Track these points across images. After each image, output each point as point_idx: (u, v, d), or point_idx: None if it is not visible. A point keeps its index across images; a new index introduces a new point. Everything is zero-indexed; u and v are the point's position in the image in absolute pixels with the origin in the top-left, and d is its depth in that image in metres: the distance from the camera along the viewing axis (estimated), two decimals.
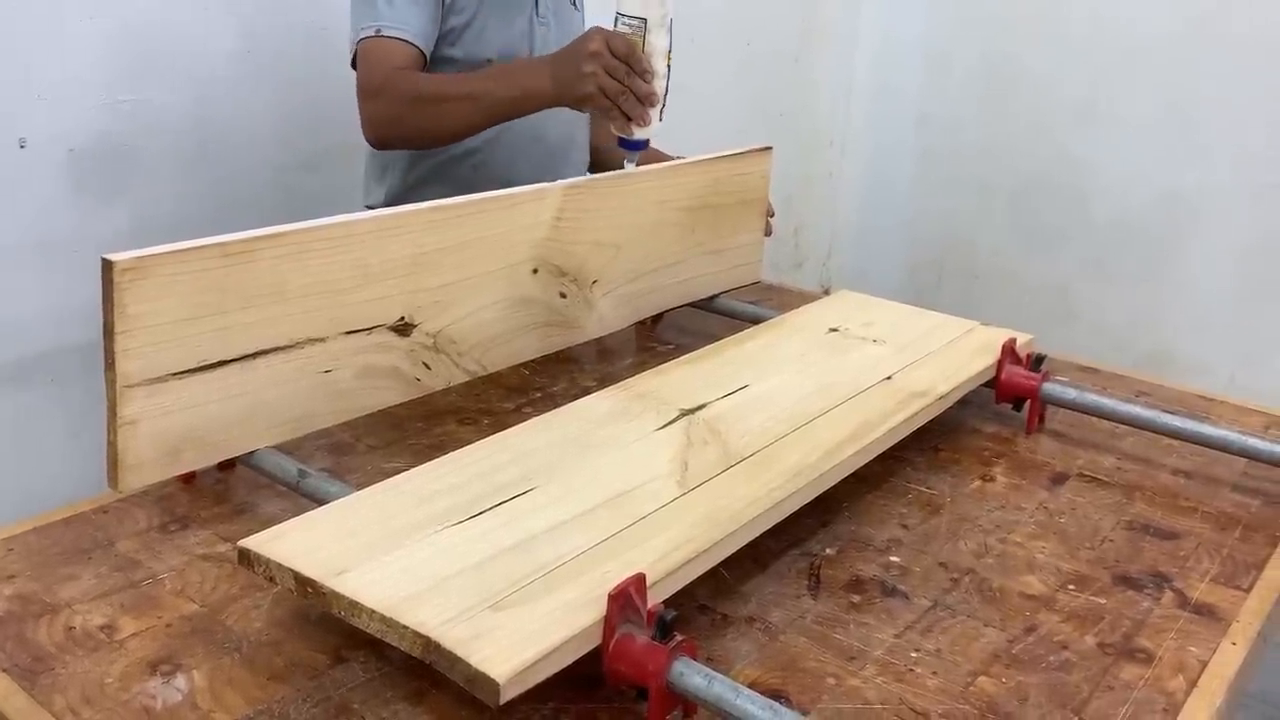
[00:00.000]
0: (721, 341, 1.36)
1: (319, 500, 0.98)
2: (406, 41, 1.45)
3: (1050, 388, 1.31)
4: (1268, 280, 2.59)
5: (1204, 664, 0.90)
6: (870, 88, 3.13)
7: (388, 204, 1.59)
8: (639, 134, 1.39)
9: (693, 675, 0.77)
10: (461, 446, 1.06)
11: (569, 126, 1.69)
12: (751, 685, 0.81)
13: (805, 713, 0.83)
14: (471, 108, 1.41)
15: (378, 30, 1.44)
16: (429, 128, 1.45)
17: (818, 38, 2.97)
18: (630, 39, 1.33)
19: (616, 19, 1.36)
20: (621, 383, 1.22)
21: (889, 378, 1.26)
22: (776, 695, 0.84)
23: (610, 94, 1.32)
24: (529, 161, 1.61)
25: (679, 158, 1.62)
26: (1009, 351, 1.34)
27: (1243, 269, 2.61)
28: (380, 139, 1.48)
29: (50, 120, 1.55)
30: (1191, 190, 2.64)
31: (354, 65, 1.49)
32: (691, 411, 1.14)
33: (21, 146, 1.53)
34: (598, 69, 1.31)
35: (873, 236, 3.22)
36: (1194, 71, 2.59)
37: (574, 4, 1.71)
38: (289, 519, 0.91)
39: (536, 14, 1.61)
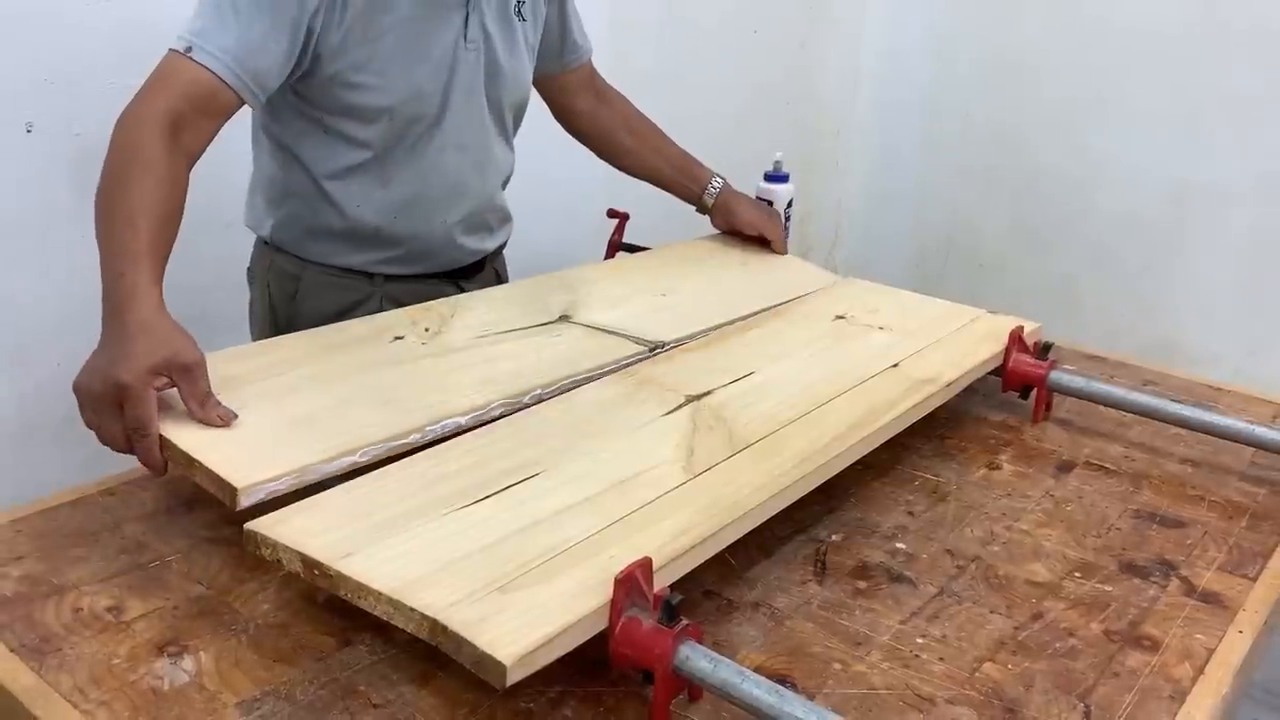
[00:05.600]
0: (727, 328, 1.36)
1: (326, 483, 0.98)
2: (214, 75, 1.15)
3: (1057, 376, 1.31)
4: (1274, 271, 2.57)
5: (1210, 652, 0.90)
6: (877, 76, 3.11)
7: (275, 235, 1.38)
8: None
9: (698, 659, 0.77)
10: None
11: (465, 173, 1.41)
12: (757, 670, 0.81)
13: (811, 698, 0.83)
14: (98, 234, 1.06)
15: (188, 48, 1.15)
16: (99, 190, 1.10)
17: (825, 25, 2.96)
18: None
19: None
20: (627, 368, 1.22)
21: (895, 365, 1.26)
22: (782, 680, 0.84)
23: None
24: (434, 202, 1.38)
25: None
26: (1016, 339, 1.34)
27: (1249, 260, 2.60)
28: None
29: (57, 104, 1.55)
30: (1198, 181, 2.63)
31: None
32: (698, 398, 1.14)
33: (28, 130, 1.53)
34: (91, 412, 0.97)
35: (878, 225, 3.21)
36: (1203, 62, 2.57)
37: (519, 14, 1.40)
38: (296, 501, 0.91)
39: (465, 38, 1.32)
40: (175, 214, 1.10)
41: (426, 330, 1.18)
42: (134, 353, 0.94)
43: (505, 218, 1.53)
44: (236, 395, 1.01)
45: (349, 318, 1.36)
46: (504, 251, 1.56)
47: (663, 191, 1.65)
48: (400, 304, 1.39)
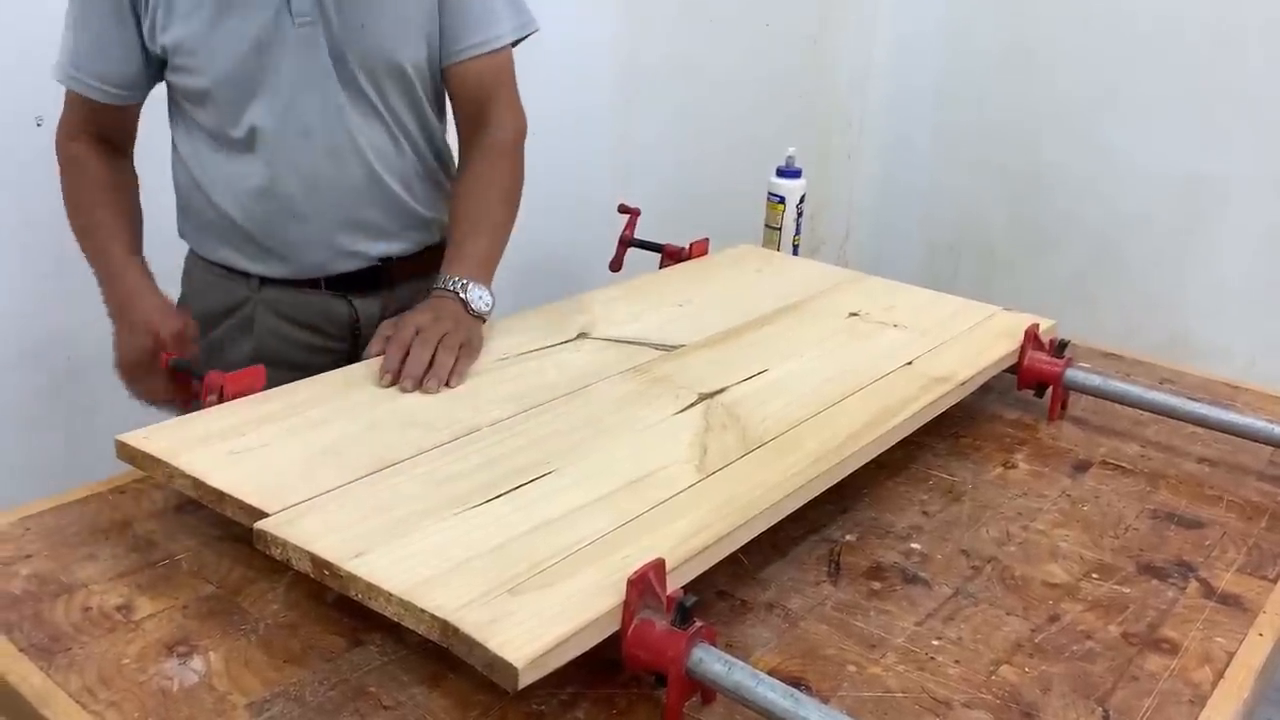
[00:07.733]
0: (740, 325, 1.35)
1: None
2: (75, 92, 1.25)
3: (1073, 374, 1.30)
4: None
5: (1231, 655, 0.89)
6: (889, 69, 3.10)
7: (180, 230, 1.36)
8: None
9: (712, 662, 0.76)
10: None
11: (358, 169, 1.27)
12: (771, 672, 0.80)
13: (825, 701, 0.82)
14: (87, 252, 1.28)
15: (67, 76, 1.25)
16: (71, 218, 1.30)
17: (837, 19, 2.95)
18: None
19: None
20: (638, 365, 1.21)
21: (910, 363, 1.25)
22: (796, 683, 0.83)
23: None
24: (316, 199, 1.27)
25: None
26: (1032, 337, 1.33)
27: (1264, 254, 2.58)
28: None
29: None
30: (1212, 175, 2.61)
31: None
32: (710, 396, 1.13)
33: (38, 124, 1.52)
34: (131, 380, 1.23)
35: (890, 219, 3.19)
36: (1218, 56, 2.55)
37: None
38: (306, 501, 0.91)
39: (291, 12, 1.17)
40: (131, 207, 1.31)
41: None
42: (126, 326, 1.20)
43: (414, 220, 1.33)
44: (262, 434, 1.00)
45: (231, 320, 1.31)
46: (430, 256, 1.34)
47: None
48: (280, 314, 1.30)
